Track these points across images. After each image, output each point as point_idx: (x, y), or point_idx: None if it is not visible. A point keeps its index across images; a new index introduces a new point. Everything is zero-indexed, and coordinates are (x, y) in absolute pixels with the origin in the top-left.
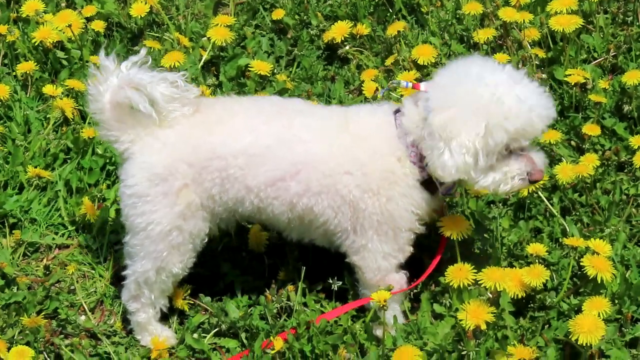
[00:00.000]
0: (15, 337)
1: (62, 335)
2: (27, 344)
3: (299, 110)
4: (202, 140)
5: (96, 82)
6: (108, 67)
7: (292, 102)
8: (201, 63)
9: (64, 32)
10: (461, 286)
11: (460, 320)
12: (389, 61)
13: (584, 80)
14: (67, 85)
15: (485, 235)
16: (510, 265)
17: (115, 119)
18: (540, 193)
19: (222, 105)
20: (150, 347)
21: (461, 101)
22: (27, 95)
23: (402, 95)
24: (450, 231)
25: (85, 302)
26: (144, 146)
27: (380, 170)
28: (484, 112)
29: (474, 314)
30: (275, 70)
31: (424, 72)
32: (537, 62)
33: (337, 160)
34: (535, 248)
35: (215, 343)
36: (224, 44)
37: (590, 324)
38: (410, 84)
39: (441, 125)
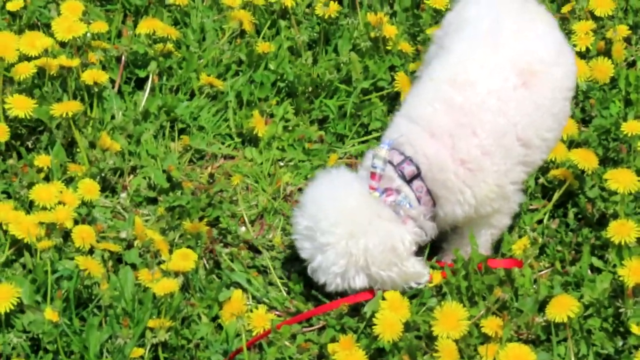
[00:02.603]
0: (175, 240)
1: (221, 244)
2: (188, 248)
3: None
4: None
5: None
6: None
7: None
8: None
9: None
10: (622, 243)
11: (620, 276)
12: (565, 9)
13: None
14: None
15: None
16: None
17: None
18: None
19: None
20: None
21: None
22: (204, 4)
23: None
24: (618, 184)
25: (246, 214)
26: None
27: None
28: None
29: (636, 272)
30: (449, 6)
31: (600, 23)
32: None
33: None
34: None
35: None
36: None
37: None
38: None
39: None
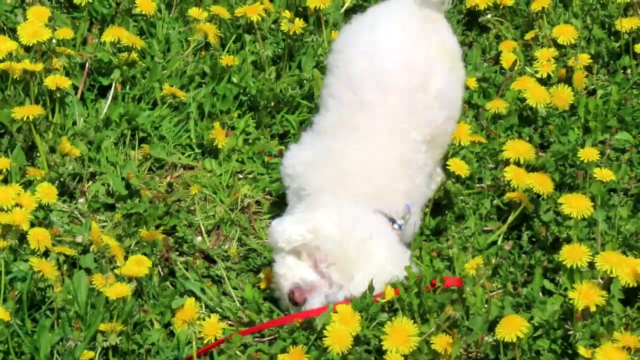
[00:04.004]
0: (131, 247)
1: (177, 252)
2: (144, 255)
3: None
4: None
5: None
6: None
7: None
8: (343, 9)
9: None
10: (574, 266)
11: (570, 299)
12: (528, 36)
13: None
14: (211, 11)
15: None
16: (624, 254)
17: None
18: None
19: None
20: (260, 276)
21: None
22: (170, 16)
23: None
24: (571, 209)
25: (203, 224)
26: None
27: None
28: None
29: (586, 295)
30: None
31: (562, 51)
32: None
33: None
34: None
35: None
36: None
37: None
38: None
39: None
